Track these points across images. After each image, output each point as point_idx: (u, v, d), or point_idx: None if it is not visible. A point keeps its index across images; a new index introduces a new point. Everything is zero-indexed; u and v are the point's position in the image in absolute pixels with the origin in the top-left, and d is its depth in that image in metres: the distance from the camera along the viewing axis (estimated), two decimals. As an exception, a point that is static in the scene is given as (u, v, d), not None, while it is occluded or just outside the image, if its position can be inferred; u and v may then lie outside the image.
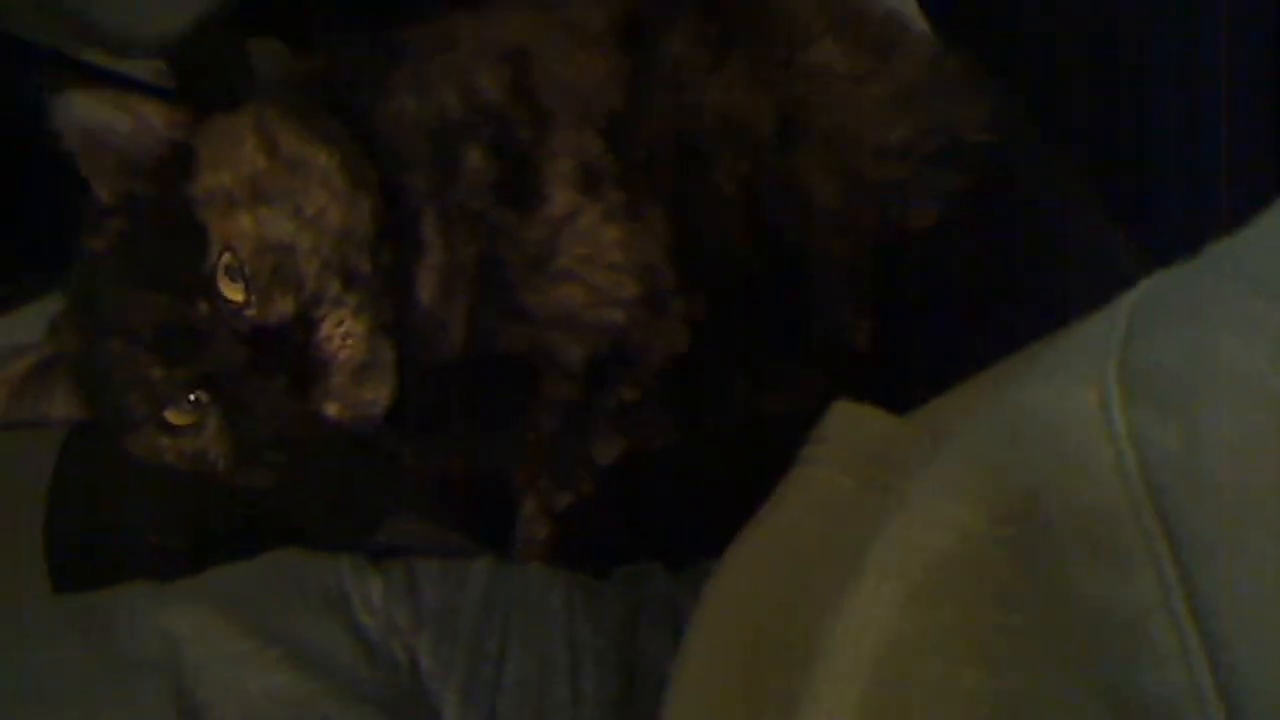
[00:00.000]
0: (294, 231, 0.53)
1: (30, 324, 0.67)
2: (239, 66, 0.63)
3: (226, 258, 0.53)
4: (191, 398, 0.54)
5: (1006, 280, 0.59)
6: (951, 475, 0.30)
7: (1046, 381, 0.29)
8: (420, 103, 0.57)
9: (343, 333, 0.53)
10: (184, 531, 0.62)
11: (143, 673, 0.49)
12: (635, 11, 0.60)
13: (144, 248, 0.54)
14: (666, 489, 0.60)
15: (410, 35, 0.60)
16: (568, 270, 0.56)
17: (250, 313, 0.53)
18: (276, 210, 0.53)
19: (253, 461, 0.56)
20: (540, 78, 0.57)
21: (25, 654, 0.52)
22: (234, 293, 0.53)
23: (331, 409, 0.54)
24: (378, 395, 0.55)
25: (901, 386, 0.45)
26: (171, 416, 0.55)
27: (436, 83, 0.57)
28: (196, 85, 0.62)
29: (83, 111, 0.53)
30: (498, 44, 0.59)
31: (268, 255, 0.53)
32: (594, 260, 0.56)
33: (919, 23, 0.68)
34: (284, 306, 0.53)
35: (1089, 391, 0.27)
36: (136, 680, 0.49)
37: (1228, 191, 0.63)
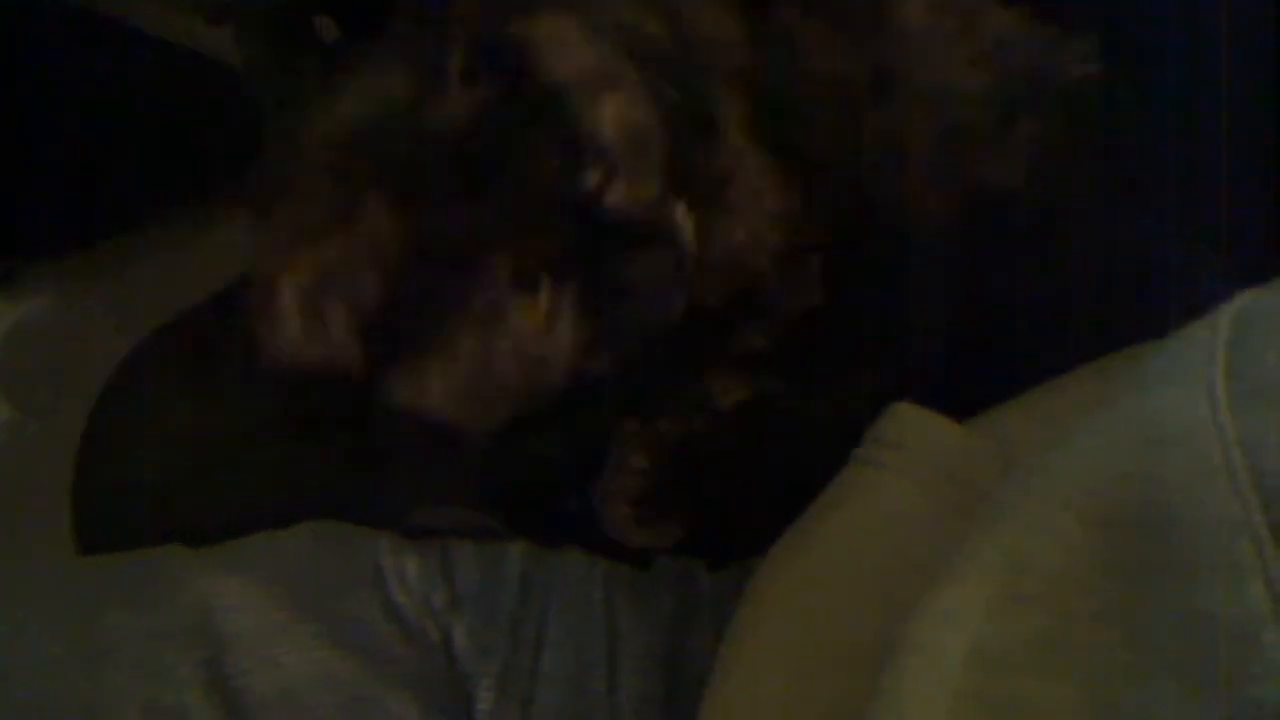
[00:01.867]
0: (646, 118, 0.52)
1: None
2: (306, 39, 0.63)
3: (589, 139, 0.51)
4: (547, 282, 0.51)
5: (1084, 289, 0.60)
6: (1055, 483, 0.30)
7: (1159, 390, 0.28)
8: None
9: (692, 223, 0.52)
10: (214, 494, 0.61)
11: (176, 642, 0.49)
12: None
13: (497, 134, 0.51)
14: (726, 478, 0.60)
15: None
16: (736, 207, 0.56)
17: (613, 198, 0.51)
18: (630, 96, 0.52)
19: (598, 353, 0.53)
20: (691, 32, 0.58)
21: (60, 623, 0.52)
22: (596, 178, 0.50)
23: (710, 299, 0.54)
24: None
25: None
26: (521, 309, 0.51)
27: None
28: (261, 55, 0.62)
29: None
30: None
31: (631, 137, 0.51)
32: (756, 203, 0.57)
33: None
34: (649, 190, 0.51)
35: (1201, 398, 0.26)
36: (169, 650, 0.49)
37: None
